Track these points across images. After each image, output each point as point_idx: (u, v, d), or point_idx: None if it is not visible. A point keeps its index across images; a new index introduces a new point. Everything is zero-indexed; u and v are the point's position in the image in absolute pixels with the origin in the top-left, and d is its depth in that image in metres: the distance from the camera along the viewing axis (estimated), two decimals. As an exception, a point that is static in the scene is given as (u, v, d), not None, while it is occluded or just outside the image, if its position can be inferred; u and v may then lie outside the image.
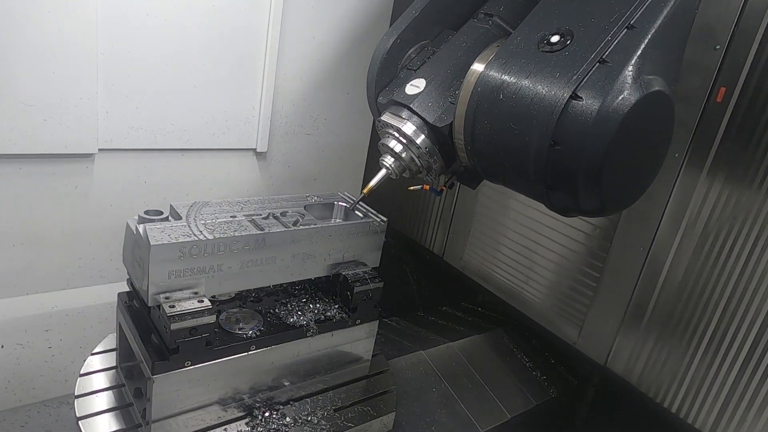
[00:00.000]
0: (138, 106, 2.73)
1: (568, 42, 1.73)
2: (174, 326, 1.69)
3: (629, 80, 1.59)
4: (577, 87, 1.60)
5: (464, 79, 1.94)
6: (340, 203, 2.31)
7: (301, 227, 2.03)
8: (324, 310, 2.17)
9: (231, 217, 2.01)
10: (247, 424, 1.98)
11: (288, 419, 2.03)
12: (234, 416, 1.98)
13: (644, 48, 1.62)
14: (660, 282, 2.41)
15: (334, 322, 2.14)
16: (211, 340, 1.81)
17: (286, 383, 2.10)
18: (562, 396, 2.98)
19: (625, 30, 1.66)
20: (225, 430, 1.94)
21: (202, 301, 1.77)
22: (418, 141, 2.03)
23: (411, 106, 2.03)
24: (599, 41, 1.67)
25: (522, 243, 2.97)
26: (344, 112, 3.51)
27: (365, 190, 2.12)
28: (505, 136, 1.77)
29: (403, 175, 2.13)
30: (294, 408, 2.09)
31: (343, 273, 2.17)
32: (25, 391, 2.84)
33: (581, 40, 1.71)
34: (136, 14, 2.58)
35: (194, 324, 1.73)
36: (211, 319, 1.77)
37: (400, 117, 2.05)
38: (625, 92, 1.59)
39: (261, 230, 1.93)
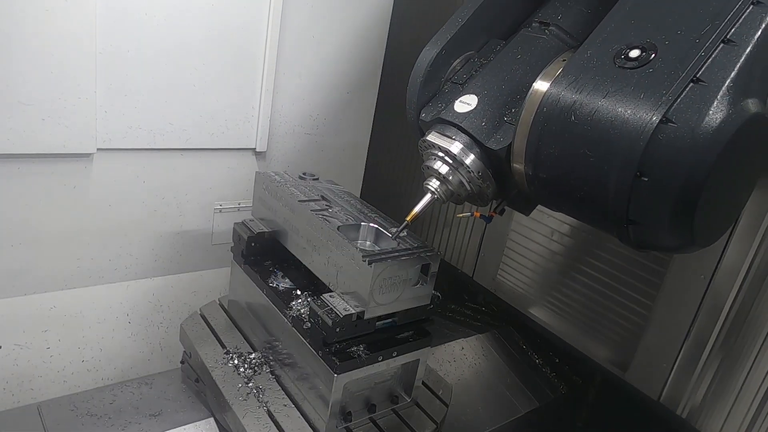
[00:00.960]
0: (137, 106, 2.71)
1: (652, 57, 1.53)
2: None
3: (728, 102, 1.40)
4: (668, 110, 1.41)
5: (526, 98, 1.73)
6: (371, 225, 2.23)
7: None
8: None
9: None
10: None
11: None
12: None
13: (742, 64, 1.43)
14: (723, 315, 2.25)
15: None
16: None
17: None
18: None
19: (721, 45, 1.46)
20: None
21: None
22: (469, 163, 1.85)
23: (461, 125, 1.85)
24: (690, 57, 1.46)
25: (560, 263, 2.80)
26: (344, 112, 3.50)
27: (408, 218, 1.97)
28: (576, 164, 1.57)
29: (450, 200, 1.97)
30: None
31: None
32: (23, 392, 2.83)
33: (667, 56, 1.50)
34: (135, 13, 2.56)
35: None
36: None
37: (451, 138, 1.87)
38: (725, 115, 1.39)
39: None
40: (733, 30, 1.46)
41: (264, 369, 2.30)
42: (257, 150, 3.19)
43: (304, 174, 2.58)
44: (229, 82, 2.96)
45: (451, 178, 1.90)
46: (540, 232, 2.91)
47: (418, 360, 2.19)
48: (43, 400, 2.44)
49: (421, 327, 2.18)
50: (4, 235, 2.60)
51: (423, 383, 2.36)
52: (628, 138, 1.44)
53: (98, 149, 2.67)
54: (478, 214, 2.16)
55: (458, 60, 2.04)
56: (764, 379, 2.18)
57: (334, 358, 1.96)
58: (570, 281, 2.80)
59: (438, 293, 2.14)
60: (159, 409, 2.30)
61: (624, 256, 2.54)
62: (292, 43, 3.09)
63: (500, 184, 1.93)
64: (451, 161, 1.88)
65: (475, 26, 2.01)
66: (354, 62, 3.39)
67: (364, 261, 1.88)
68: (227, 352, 2.35)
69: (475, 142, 1.85)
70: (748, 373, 2.23)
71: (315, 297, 2.10)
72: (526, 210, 2.11)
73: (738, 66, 1.42)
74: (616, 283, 2.60)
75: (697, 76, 1.43)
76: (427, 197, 1.94)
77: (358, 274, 1.93)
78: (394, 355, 2.09)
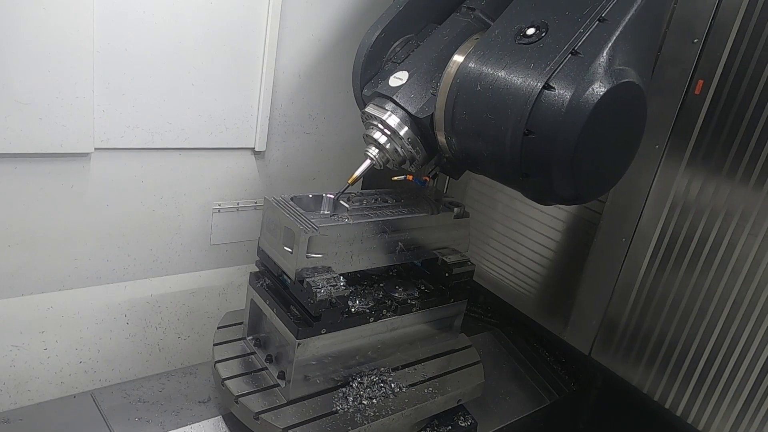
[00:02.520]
0: (135, 105, 2.70)
1: (543, 34, 1.80)
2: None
3: (600, 71, 1.66)
4: (549, 77, 1.68)
5: (444, 71, 2.01)
6: (328, 195, 2.41)
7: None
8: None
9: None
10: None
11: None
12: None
13: (615, 40, 1.70)
14: (641, 273, 2.46)
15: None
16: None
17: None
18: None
19: (597, 23, 1.73)
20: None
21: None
22: (401, 132, 2.10)
23: (394, 97, 2.10)
24: (572, 33, 1.74)
25: (510, 236, 3.03)
26: (344, 111, 3.48)
27: (350, 180, 2.19)
28: (482, 126, 1.84)
29: (387, 165, 2.20)
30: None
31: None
32: (20, 394, 2.81)
33: (555, 33, 1.78)
34: (133, 11, 2.54)
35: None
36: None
37: (384, 108, 2.12)
38: (597, 82, 1.65)
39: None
40: (607, 10, 1.75)
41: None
42: (256, 149, 3.18)
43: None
44: (228, 81, 2.94)
45: (388, 146, 2.14)
46: (491, 207, 3.13)
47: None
48: (41, 402, 2.44)
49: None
50: (0, 235, 2.58)
51: None
52: (519, 102, 1.71)
53: (96, 149, 2.66)
54: (411, 178, 2.34)
55: (398, 42, 2.30)
56: (683, 332, 2.39)
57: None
58: (517, 251, 3.01)
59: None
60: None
61: (561, 223, 2.77)
62: (291, 42, 3.08)
63: (429, 151, 2.18)
64: (386, 130, 2.12)
65: (413, 11, 2.28)
66: (353, 61, 3.35)
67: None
68: None
69: (405, 113, 2.10)
70: (661, 325, 2.44)
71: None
72: (456, 174, 2.34)
73: (611, 41, 1.69)
74: (557, 251, 2.82)
75: (575, 49, 1.70)
76: (366, 163, 2.18)
77: None
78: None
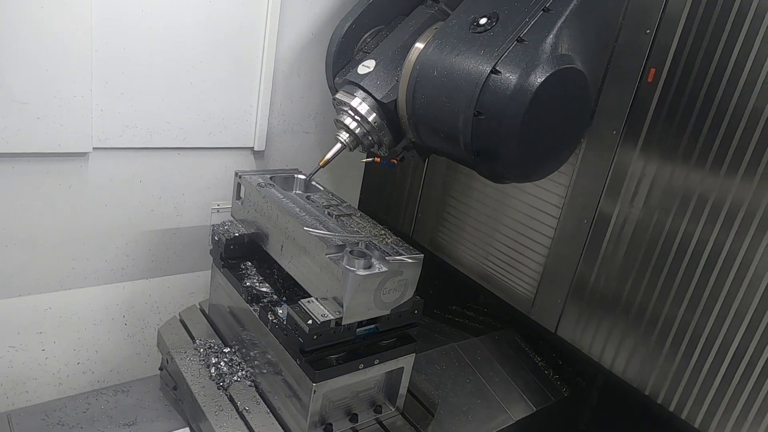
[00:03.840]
0: (133, 104, 2.68)
1: (494, 23, 1.94)
2: None
3: (543, 57, 1.80)
4: (496, 63, 1.82)
5: (406, 58, 2.16)
6: (299, 176, 2.61)
7: None
8: None
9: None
10: None
11: None
12: None
13: (558, 28, 1.83)
14: (600, 254, 2.55)
15: None
16: None
17: None
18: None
19: (541, 12, 1.88)
20: None
21: None
22: (370, 118, 2.25)
23: (361, 84, 2.25)
24: (519, 22, 1.89)
25: (483, 221, 3.10)
26: (343, 111, 3.46)
27: (321, 163, 2.36)
28: (439, 109, 1.98)
29: (357, 149, 2.35)
30: None
31: None
32: (17, 395, 2.80)
33: (504, 22, 1.92)
34: (131, 10, 2.53)
35: None
36: None
37: (352, 95, 2.27)
38: (540, 67, 1.79)
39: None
40: (552, 1, 1.90)
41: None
42: (255, 149, 3.16)
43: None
44: (227, 81, 2.93)
45: (357, 130, 2.29)
46: (467, 194, 3.19)
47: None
48: (38, 403, 2.41)
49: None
50: (-2, 236, 2.56)
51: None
52: (470, 85, 1.85)
53: (94, 148, 2.64)
54: (379, 160, 2.47)
55: (369, 33, 2.46)
56: (637, 311, 2.44)
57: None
58: (490, 236, 3.08)
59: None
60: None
61: (529, 207, 2.85)
62: (290, 41, 3.06)
63: (395, 134, 2.32)
64: (355, 115, 2.27)
65: (383, 4, 2.43)
66: (353, 60, 3.35)
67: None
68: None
69: (372, 98, 2.24)
70: (627, 309, 2.48)
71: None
72: (422, 157, 2.42)
73: (555, 29, 1.83)
74: (525, 234, 2.89)
75: (521, 36, 1.85)
76: (337, 146, 2.33)
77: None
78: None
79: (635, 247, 2.41)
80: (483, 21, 1.97)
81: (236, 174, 2.55)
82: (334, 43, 2.43)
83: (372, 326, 2.03)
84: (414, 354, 2.17)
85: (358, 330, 2.00)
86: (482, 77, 1.82)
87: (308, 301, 1.97)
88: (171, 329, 2.46)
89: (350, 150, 2.34)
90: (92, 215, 2.78)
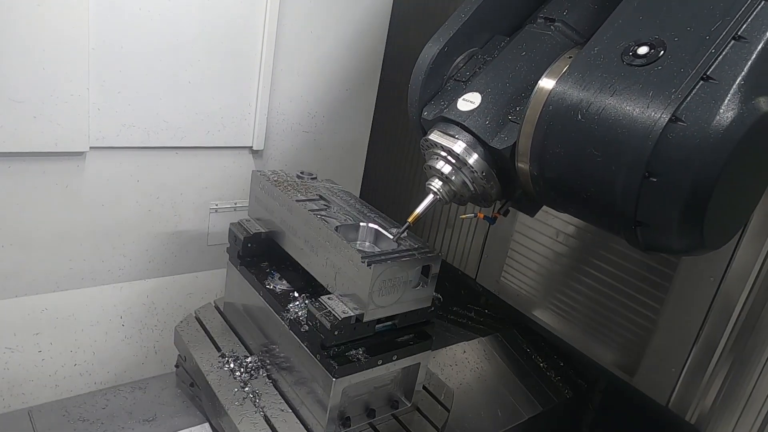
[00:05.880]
0: (130, 103, 2.66)
1: (661, 54, 1.51)
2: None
3: (739, 100, 1.38)
4: (678, 108, 1.38)
5: (531, 96, 1.69)
6: (371, 225, 2.19)
7: None
8: None
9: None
10: None
11: None
12: None
13: (754, 62, 1.41)
14: (733, 319, 2.22)
15: None
16: None
17: None
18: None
19: (732, 42, 1.44)
20: None
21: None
22: (472, 163, 1.81)
23: (465, 123, 1.81)
24: (700, 54, 1.44)
25: (565, 264, 2.75)
26: (343, 109, 3.45)
27: (410, 219, 1.95)
28: (583, 163, 1.54)
29: (453, 201, 1.93)
30: None
31: None
32: (14, 397, 2.78)
33: (676, 53, 1.48)
34: (128, 8, 2.51)
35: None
36: None
37: (454, 137, 1.82)
38: (736, 114, 1.37)
39: None
40: (744, 26, 1.44)
41: (261, 373, 2.26)
42: (254, 148, 3.14)
43: (302, 173, 2.54)
44: (226, 79, 2.90)
45: (453, 178, 1.85)
46: (544, 233, 2.85)
47: (419, 364, 2.15)
48: (35, 405, 2.39)
49: (422, 330, 2.14)
50: (-6, 236, 2.54)
51: (424, 387, 2.31)
52: (637, 137, 1.42)
53: (91, 148, 2.62)
54: (482, 216, 2.11)
55: (461, 57, 1.99)
56: None
57: (332, 362, 1.92)
58: (575, 283, 2.75)
59: (439, 295, 2.11)
60: (153, 414, 2.26)
61: (631, 257, 2.49)
62: (289, 40, 3.04)
63: (504, 185, 1.88)
64: (453, 161, 1.83)
65: (479, 22, 1.97)
66: (353, 58, 3.34)
67: (363, 262, 1.84)
68: (223, 356, 2.31)
69: (478, 141, 1.80)
70: (758, 379, 2.19)
71: (313, 299, 2.06)
72: (531, 211, 2.07)
73: (749, 63, 1.40)
74: (623, 286, 2.54)
75: (707, 73, 1.40)
76: (430, 198, 1.90)
77: (356, 275, 1.90)
78: (394, 358, 2.05)
79: None
80: (643, 50, 1.53)
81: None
82: (422, 69, 1.94)
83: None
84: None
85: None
86: (657, 127, 1.39)
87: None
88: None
89: (446, 203, 1.91)
90: (89, 215, 2.76)
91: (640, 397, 2.50)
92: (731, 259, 2.20)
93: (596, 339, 2.67)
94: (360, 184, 3.75)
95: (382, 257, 1.89)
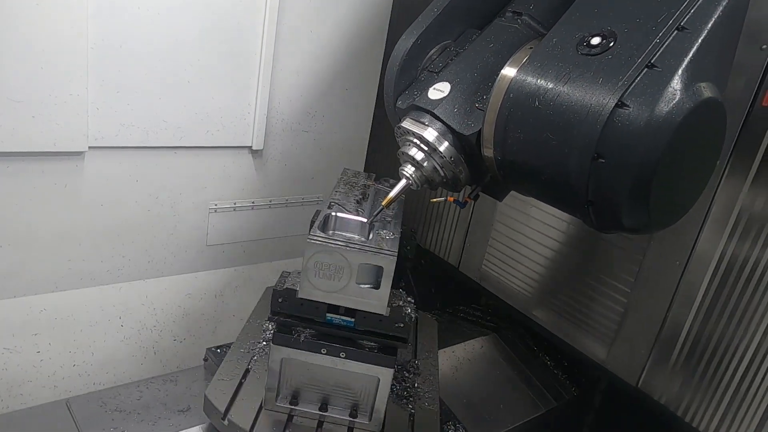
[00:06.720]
0: (129, 103, 2.65)
1: (611, 44, 1.61)
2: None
3: (680, 86, 1.48)
4: (623, 94, 1.49)
5: (494, 84, 1.80)
6: (359, 218, 2.20)
7: None
8: None
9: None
10: None
11: None
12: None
13: (696, 51, 1.51)
14: (697, 301, 2.29)
15: None
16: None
17: None
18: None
19: (675, 32, 1.54)
20: None
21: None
22: (442, 149, 1.90)
23: (434, 111, 1.91)
24: (646, 44, 1.55)
25: (544, 254, 2.84)
26: (343, 109, 3.44)
27: (384, 203, 2.02)
28: (540, 147, 1.65)
29: (425, 186, 2.01)
30: None
31: None
32: (12, 397, 2.77)
33: (626, 43, 1.58)
34: (127, 7, 2.49)
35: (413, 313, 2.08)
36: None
37: (422, 123, 1.93)
38: (677, 99, 1.47)
39: None
40: (687, 17, 1.55)
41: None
42: (254, 148, 3.13)
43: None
44: (225, 79, 2.89)
45: (425, 164, 1.95)
46: (522, 222, 2.95)
47: (378, 379, 2.08)
48: (34, 406, 2.39)
49: (391, 344, 2.06)
50: (-8, 236, 2.53)
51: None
52: (587, 122, 1.52)
53: (90, 147, 2.61)
54: (452, 199, 2.21)
55: (435, 49, 2.09)
56: (738, 365, 2.21)
57: (276, 328, 2.02)
58: (552, 269, 2.85)
59: (412, 313, 2.05)
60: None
61: (603, 243, 2.60)
62: (289, 39, 3.03)
63: (473, 170, 1.99)
64: (425, 147, 1.93)
65: (451, 16, 2.07)
66: (353, 57, 3.33)
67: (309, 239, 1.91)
68: None
69: (447, 128, 1.91)
70: (722, 358, 2.27)
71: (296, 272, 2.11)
72: (500, 195, 2.18)
73: (691, 52, 1.51)
74: (596, 270, 2.65)
75: (652, 61, 1.51)
76: (402, 183, 1.99)
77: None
78: (341, 355, 2.03)
79: (739, 289, 2.20)
80: (596, 41, 1.64)
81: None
82: (397, 60, 2.03)
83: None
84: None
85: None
86: (605, 112, 1.49)
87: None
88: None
89: (417, 187, 2.00)
90: (88, 215, 2.75)
91: (612, 378, 2.58)
92: (695, 243, 2.29)
93: (573, 323, 2.78)
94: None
95: (326, 241, 1.91)
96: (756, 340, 2.16)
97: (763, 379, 2.16)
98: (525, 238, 2.95)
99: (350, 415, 2.14)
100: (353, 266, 1.92)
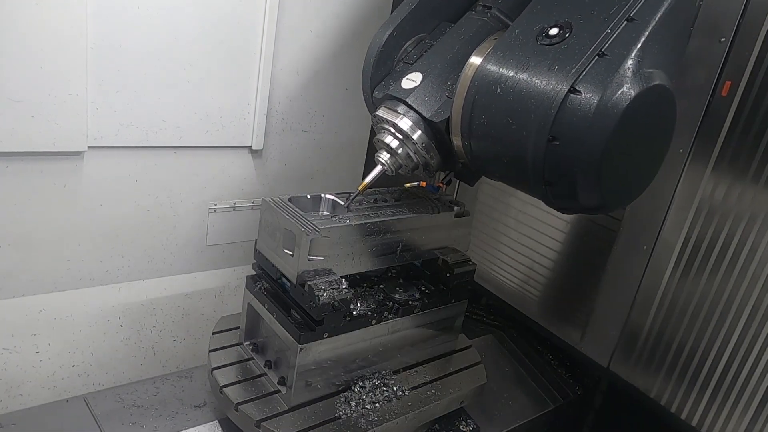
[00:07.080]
0: (129, 102, 2.64)
1: (567, 35, 1.72)
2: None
3: (629, 74, 1.59)
4: (575, 80, 1.59)
5: (461, 73, 1.91)
6: (327, 195, 2.32)
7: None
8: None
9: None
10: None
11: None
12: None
13: (644, 41, 1.62)
14: (664, 282, 2.38)
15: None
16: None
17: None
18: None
19: (625, 23, 1.65)
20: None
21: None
22: (415, 136, 2.02)
23: (407, 100, 2.01)
24: (598, 34, 1.66)
25: (523, 242, 2.93)
26: (342, 108, 3.44)
27: (360, 187, 2.13)
28: (502, 131, 1.76)
29: (399, 171, 2.12)
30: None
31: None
32: (11, 398, 2.75)
33: (580, 33, 1.70)
34: (127, 7, 2.49)
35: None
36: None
37: (396, 112, 2.03)
38: (625, 86, 1.58)
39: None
40: (636, 9, 1.66)
41: None
42: (254, 148, 3.13)
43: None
44: (225, 79, 2.89)
45: (399, 150, 2.06)
46: (503, 212, 3.03)
47: (298, 348, 2.11)
48: (33, 406, 2.39)
49: (306, 321, 2.09)
50: (-9, 236, 2.53)
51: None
52: (542, 106, 1.63)
53: (89, 147, 2.60)
54: (424, 184, 2.31)
55: (410, 41, 2.21)
56: (702, 345, 2.30)
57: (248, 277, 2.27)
58: (531, 258, 2.93)
59: (331, 300, 2.01)
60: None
61: (576, 227, 2.69)
62: (289, 38, 3.03)
63: (444, 156, 2.09)
64: (399, 135, 2.04)
65: (426, 10, 2.19)
66: (353, 57, 3.33)
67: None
68: None
69: (419, 116, 2.01)
70: (692, 339, 2.33)
71: None
72: (471, 181, 2.27)
73: (640, 42, 1.62)
74: (573, 258, 2.74)
75: (603, 50, 1.62)
76: (378, 168, 2.10)
77: None
78: (273, 314, 2.13)
79: (701, 271, 2.28)
80: (554, 31, 1.74)
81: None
82: (373, 52, 2.15)
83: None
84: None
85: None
86: (558, 97, 1.59)
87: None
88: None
89: (392, 173, 2.11)
90: (87, 215, 2.75)
91: (584, 359, 2.66)
92: (661, 228, 2.38)
93: (548, 307, 2.89)
94: (359, 183, 3.74)
95: (274, 203, 2.10)
96: (715, 318, 2.26)
97: (723, 354, 2.25)
98: (504, 226, 3.05)
99: (280, 382, 2.18)
100: (280, 229, 2.03)
